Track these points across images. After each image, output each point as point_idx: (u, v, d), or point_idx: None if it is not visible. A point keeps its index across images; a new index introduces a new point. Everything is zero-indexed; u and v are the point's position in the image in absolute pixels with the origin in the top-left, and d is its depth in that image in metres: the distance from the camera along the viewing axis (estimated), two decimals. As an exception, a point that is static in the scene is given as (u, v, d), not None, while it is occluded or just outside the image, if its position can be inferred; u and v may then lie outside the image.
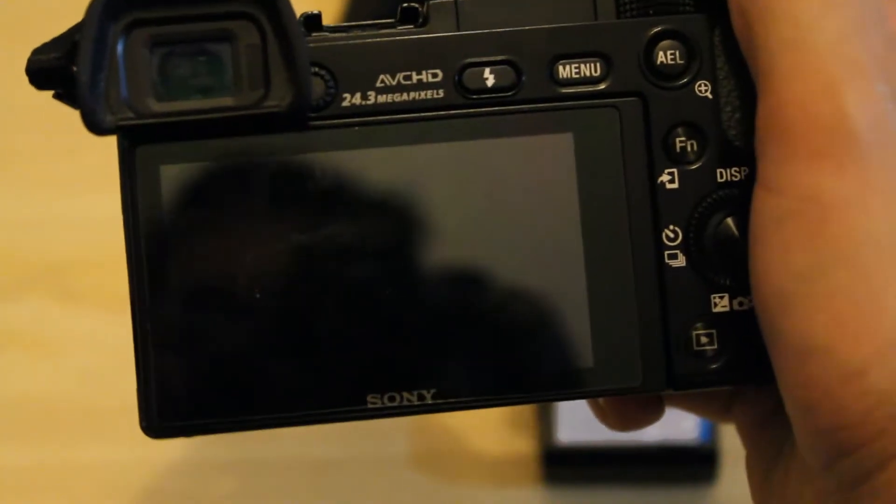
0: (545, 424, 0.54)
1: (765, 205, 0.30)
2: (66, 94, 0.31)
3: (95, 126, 0.31)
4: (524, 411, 0.56)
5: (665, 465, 0.54)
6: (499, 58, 0.33)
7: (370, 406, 0.32)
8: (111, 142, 0.32)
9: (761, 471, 0.35)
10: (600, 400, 0.37)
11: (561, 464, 0.54)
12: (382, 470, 0.55)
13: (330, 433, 0.56)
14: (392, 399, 0.32)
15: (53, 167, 0.59)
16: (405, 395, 0.32)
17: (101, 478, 0.55)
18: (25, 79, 0.31)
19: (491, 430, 0.56)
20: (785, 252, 0.29)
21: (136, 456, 0.55)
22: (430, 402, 0.32)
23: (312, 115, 0.32)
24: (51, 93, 0.32)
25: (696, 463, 0.54)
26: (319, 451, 0.55)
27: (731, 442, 0.47)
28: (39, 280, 0.57)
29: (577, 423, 0.54)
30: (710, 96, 0.33)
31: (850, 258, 0.29)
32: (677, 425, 0.53)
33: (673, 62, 0.33)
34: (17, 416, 0.56)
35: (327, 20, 0.33)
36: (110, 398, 0.56)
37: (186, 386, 0.32)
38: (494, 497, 0.55)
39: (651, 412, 0.37)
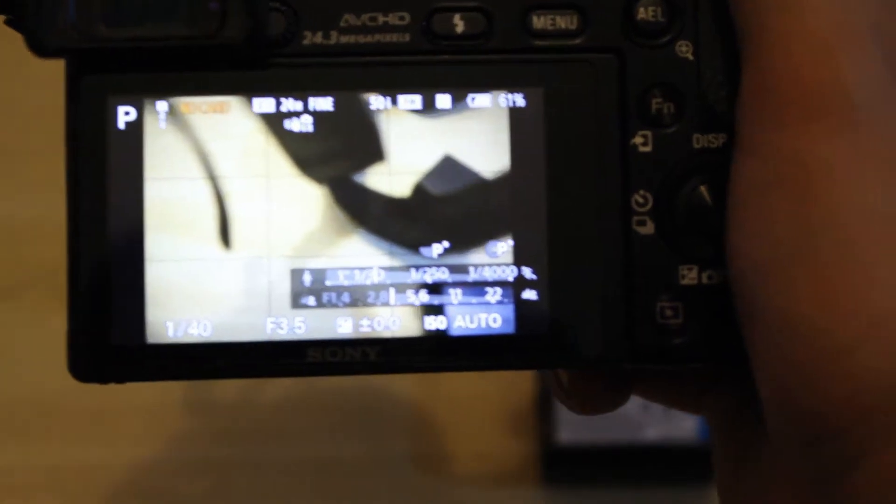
0: (545, 425, 0.54)
1: (747, 170, 0.28)
2: (16, 19, 0.30)
3: (39, 48, 0.29)
4: (524, 412, 0.56)
5: (665, 465, 0.54)
6: (470, 3, 0.31)
7: (310, 360, 0.31)
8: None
9: (730, 465, 0.32)
10: (563, 378, 0.35)
11: (561, 464, 0.54)
12: (383, 470, 0.55)
13: (330, 433, 0.56)
14: (334, 354, 0.31)
15: (54, 167, 0.59)
16: (347, 350, 0.31)
17: (101, 478, 0.55)
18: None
19: (491, 430, 0.55)
20: (768, 221, 0.27)
21: (136, 456, 0.55)
22: (373, 359, 0.31)
23: (270, 52, 0.31)
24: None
25: (696, 463, 0.53)
26: (319, 451, 0.55)
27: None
28: (39, 280, 0.57)
29: (577, 423, 0.53)
30: (692, 58, 0.31)
31: (838, 227, 0.27)
32: (677, 425, 0.53)
33: (654, 19, 0.31)
34: (17, 416, 0.56)
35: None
36: (110, 398, 0.56)
37: (119, 327, 0.30)
38: (494, 497, 0.55)
39: (616, 395, 0.34)
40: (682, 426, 0.53)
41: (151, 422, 0.56)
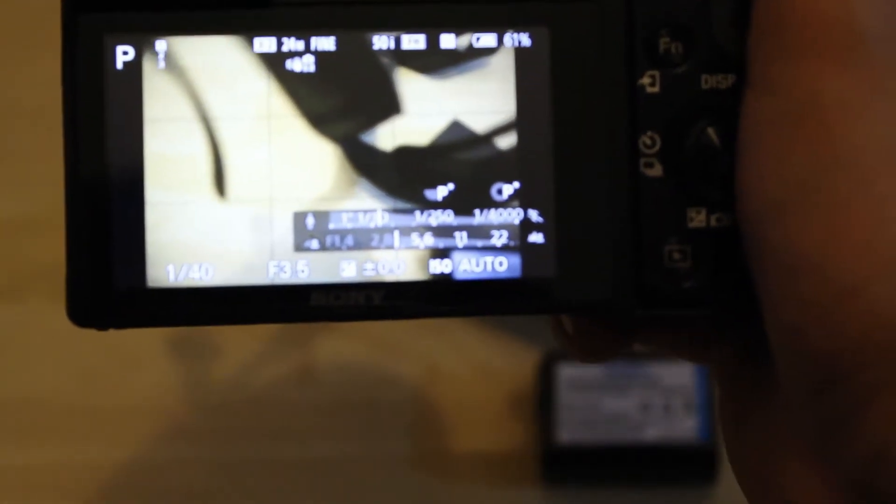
0: (545, 424, 0.53)
1: (758, 107, 0.28)
2: None
3: None
4: (524, 411, 0.56)
5: (665, 465, 0.53)
6: None
7: (314, 304, 0.30)
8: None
9: (735, 413, 0.32)
10: (567, 324, 0.34)
11: (561, 464, 0.53)
12: (382, 470, 0.54)
13: (329, 433, 0.56)
14: (338, 298, 0.30)
15: (54, 166, 0.59)
16: (352, 294, 0.30)
17: (101, 478, 0.54)
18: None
19: (491, 429, 0.55)
20: (779, 158, 0.27)
21: (136, 456, 0.55)
22: (377, 303, 0.30)
23: None
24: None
25: (696, 463, 0.53)
26: (319, 451, 0.55)
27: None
28: (40, 280, 0.56)
29: (577, 423, 0.53)
30: None
31: (851, 165, 0.26)
32: (677, 425, 0.53)
33: None
34: (18, 416, 0.55)
35: None
36: (110, 398, 0.56)
37: (119, 271, 0.30)
38: (494, 497, 0.54)
39: (620, 342, 0.34)
40: (682, 426, 0.53)
41: (150, 421, 0.56)
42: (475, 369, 0.56)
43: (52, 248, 0.58)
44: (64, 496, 0.55)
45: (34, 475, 0.55)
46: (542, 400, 0.54)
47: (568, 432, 0.53)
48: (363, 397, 0.56)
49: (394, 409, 0.56)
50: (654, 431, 0.53)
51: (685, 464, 0.54)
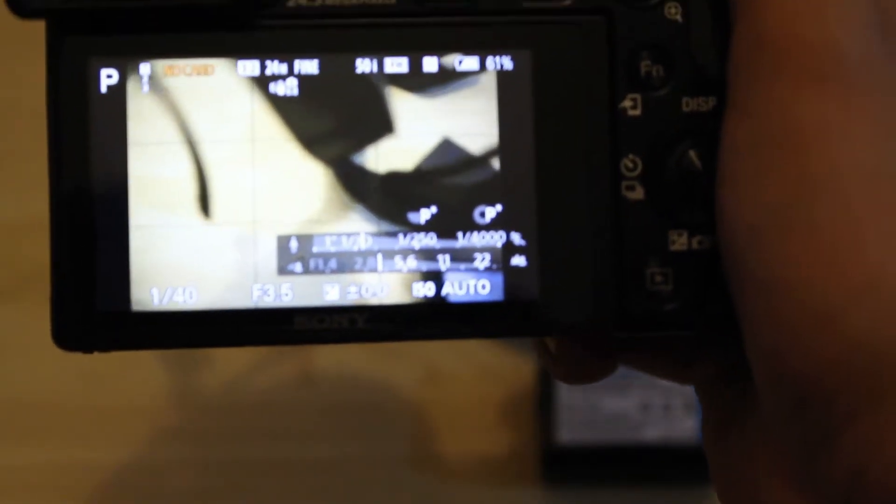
0: (545, 424, 0.53)
1: (738, 130, 0.28)
2: None
3: (19, 7, 0.29)
4: (524, 412, 0.56)
5: (665, 465, 0.53)
6: None
7: (297, 327, 0.30)
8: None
9: (717, 431, 0.32)
10: (551, 346, 0.34)
11: (561, 464, 0.54)
12: (382, 470, 0.54)
13: (329, 434, 0.56)
14: (321, 321, 0.30)
15: (45, 168, 0.59)
16: (335, 317, 0.30)
17: (101, 478, 0.54)
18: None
19: (490, 430, 0.55)
20: (758, 181, 0.27)
21: (135, 456, 0.55)
22: (361, 326, 0.30)
23: (256, 13, 0.30)
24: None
25: (696, 463, 0.53)
26: (319, 451, 0.55)
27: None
28: (39, 281, 0.56)
29: (577, 423, 0.53)
30: (681, 19, 0.30)
31: (830, 189, 0.26)
32: (677, 425, 0.53)
33: None
34: (18, 416, 0.56)
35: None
36: (111, 398, 0.56)
37: (103, 295, 0.30)
38: (494, 497, 0.54)
39: (603, 364, 0.34)
40: (682, 426, 0.53)
41: (150, 422, 0.56)
42: (475, 370, 0.56)
43: (47, 250, 0.58)
44: (64, 496, 0.55)
45: (34, 475, 0.55)
46: (542, 400, 0.54)
47: (568, 432, 0.53)
48: (363, 398, 0.56)
49: (394, 409, 0.56)
50: (653, 431, 0.53)
51: (685, 464, 0.54)
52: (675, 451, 0.53)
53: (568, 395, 0.53)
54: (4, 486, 0.55)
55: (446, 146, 0.31)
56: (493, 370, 0.56)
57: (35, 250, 0.57)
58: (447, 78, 0.31)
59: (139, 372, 0.56)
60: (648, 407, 0.53)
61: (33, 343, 0.56)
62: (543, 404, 0.54)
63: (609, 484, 0.54)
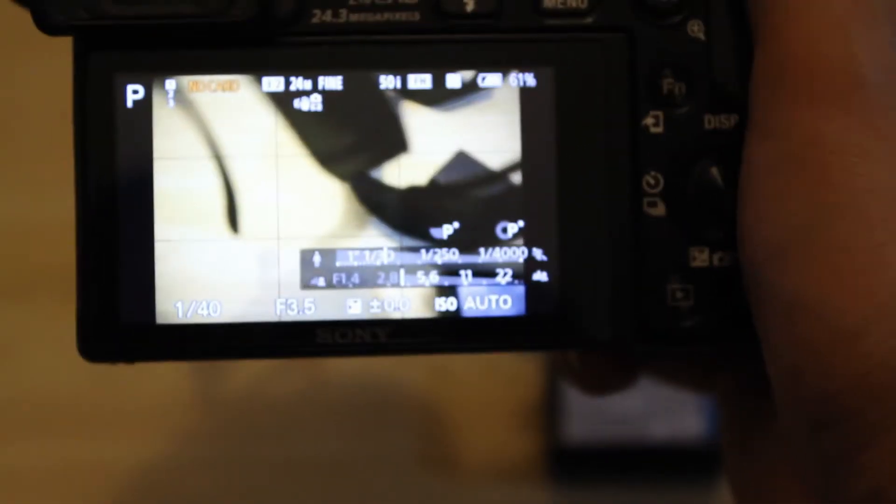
0: (552, 423, 0.53)
1: (760, 150, 0.28)
2: None
3: (46, 25, 0.29)
4: (533, 410, 0.56)
5: (672, 465, 0.54)
6: None
7: (320, 341, 0.30)
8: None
9: (737, 444, 0.32)
10: (573, 360, 0.34)
11: (570, 462, 0.54)
12: (391, 470, 0.54)
13: (337, 432, 0.56)
14: (344, 335, 0.31)
15: (63, 168, 0.59)
16: (357, 331, 0.30)
17: (110, 476, 0.55)
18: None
19: (497, 429, 0.55)
20: (780, 201, 0.27)
21: (143, 454, 0.55)
22: (383, 340, 0.30)
23: (280, 30, 0.30)
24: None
25: (705, 463, 0.53)
26: (322, 451, 0.55)
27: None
28: (49, 281, 0.57)
29: (585, 421, 0.53)
30: (703, 37, 0.30)
31: (851, 208, 0.26)
32: (686, 425, 0.54)
33: None
34: (27, 415, 0.56)
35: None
36: (112, 398, 0.56)
37: (128, 307, 0.30)
38: (502, 497, 0.54)
39: (625, 377, 0.34)
40: (692, 426, 0.53)
41: (158, 420, 0.56)
42: (484, 370, 0.56)
43: (61, 249, 0.58)
44: (72, 494, 0.55)
45: (43, 473, 0.55)
46: (552, 398, 0.54)
47: (577, 431, 0.53)
48: (372, 398, 0.56)
49: (402, 409, 0.56)
50: (662, 431, 0.53)
51: (692, 463, 0.54)
52: (682, 450, 0.53)
53: (577, 395, 0.53)
54: (12, 484, 0.55)
55: (463, 160, 0.31)
56: (502, 370, 0.56)
57: (44, 251, 0.57)
58: (465, 92, 0.31)
59: (147, 372, 0.56)
60: (657, 406, 0.53)
61: (43, 343, 0.56)
62: (552, 403, 0.54)
63: (618, 483, 0.54)
